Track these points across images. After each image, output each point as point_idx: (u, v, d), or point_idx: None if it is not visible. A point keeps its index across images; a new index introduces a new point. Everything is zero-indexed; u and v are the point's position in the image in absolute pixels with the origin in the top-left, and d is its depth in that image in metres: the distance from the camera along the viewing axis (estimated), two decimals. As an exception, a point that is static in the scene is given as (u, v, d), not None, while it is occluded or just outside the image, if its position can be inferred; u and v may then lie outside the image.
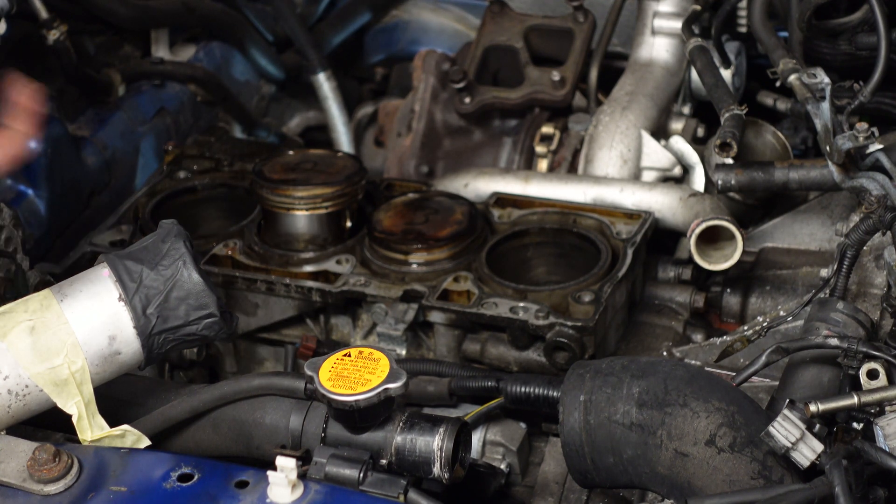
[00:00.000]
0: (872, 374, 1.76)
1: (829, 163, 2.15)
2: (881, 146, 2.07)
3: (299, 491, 1.57)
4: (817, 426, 1.64)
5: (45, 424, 1.79)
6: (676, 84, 2.84)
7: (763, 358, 1.81)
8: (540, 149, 2.78)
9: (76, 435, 1.69)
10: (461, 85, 2.86)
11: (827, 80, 2.19)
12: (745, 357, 2.18)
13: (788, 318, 2.07)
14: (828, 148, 2.12)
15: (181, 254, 1.71)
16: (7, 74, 2.09)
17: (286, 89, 3.41)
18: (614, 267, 2.35)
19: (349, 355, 1.76)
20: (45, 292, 1.70)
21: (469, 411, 2.11)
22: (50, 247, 2.64)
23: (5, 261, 2.15)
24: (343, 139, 3.29)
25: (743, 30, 2.88)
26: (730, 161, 2.28)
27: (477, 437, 2.13)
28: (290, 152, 2.61)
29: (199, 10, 3.11)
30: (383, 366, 1.74)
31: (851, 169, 2.12)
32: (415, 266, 2.38)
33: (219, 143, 2.83)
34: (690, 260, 2.35)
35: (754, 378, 1.85)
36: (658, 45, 2.85)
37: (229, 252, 2.46)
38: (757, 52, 2.82)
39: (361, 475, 1.67)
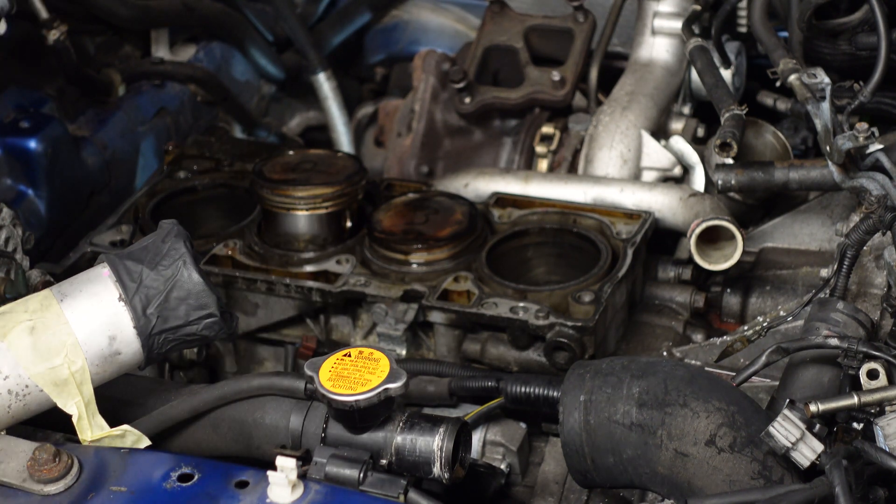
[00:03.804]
0: (872, 374, 1.76)
1: (829, 163, 2.15)
2: (881, 146, 2.07)
3: (299, 491, 1.57)
4: (817, 426, 1.64)
5: (45, 424, 1.79)
6: (676, 84, 2.84)
7: (763, 358, 1.81)
8: (540, 149, 2.78)
9: (76, 435, 1.69)
10: (461, 85, 2.86)
11: (827, 80, 2.19)
12: (745, 357, 2.18)
13: (788, 318, 2.07)
14: (828, 148, 2.12)
15: (181, 254, 1.71)
16: None
17: (286, 89, 3.41)
18: (614, 267, 2.35)
19: (349, 355, 1.76)
20: (45, 292, 1.70)
21: (469, 411, 2.11)
22: (50, 247, 2.64)
23: (5, 261, 2.14)
24: (343, 139, 3.29)
25: (743, 30, 2.88)
26: (730, 161, 2.28)
27: (477, 437, 2.13)
28: (290, 152, 2.61)
29: (199, 10, 3.11)
30: (383, 366, 1.74)
31: (851, 169, 2.12)
32: (415, 266, 2.38)
33: (219, 143, 2.83)
34: (690, 260, 2.35)
35: (754, 378, 1.85)
36: (658, 45, 2.84)
37: (229, 252, 2.46)
38: (757, 52, 2.82)
39: (361, 475, 1.67)
